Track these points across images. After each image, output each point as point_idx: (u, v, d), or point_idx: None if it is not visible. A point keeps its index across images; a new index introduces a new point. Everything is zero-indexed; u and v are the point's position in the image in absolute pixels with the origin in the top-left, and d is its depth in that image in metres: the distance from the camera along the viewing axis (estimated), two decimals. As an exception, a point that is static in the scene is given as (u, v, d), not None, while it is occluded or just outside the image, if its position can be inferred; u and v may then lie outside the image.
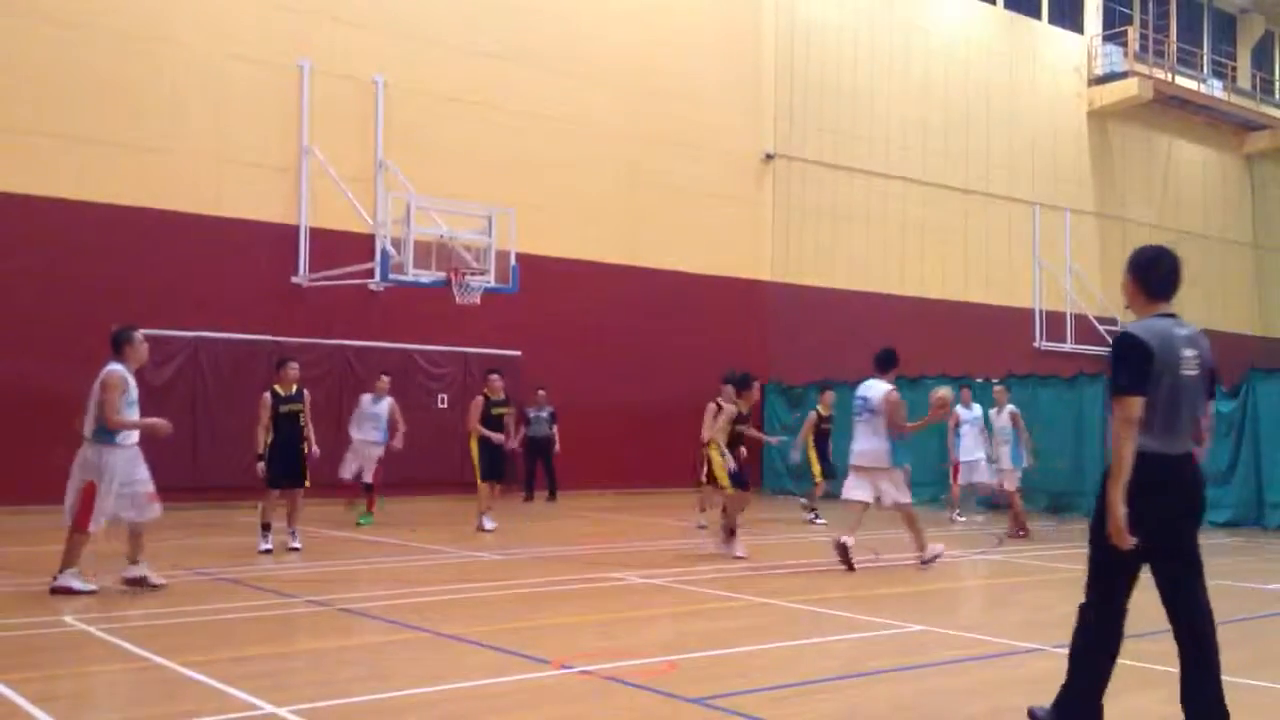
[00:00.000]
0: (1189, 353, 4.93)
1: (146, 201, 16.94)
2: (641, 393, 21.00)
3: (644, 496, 18.35)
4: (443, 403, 18.45)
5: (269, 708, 5.47)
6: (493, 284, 16.53)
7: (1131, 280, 5.24)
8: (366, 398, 15.23)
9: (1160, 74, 31.67)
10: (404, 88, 19.23)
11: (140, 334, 9.19)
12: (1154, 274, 5.21)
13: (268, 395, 12.05)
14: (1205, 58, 34.43)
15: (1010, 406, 15.34)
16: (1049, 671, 6.66)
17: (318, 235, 18.26)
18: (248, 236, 17.68)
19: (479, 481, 14.25)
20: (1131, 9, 32.25)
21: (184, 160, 17.29)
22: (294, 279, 18.12)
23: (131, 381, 8.93)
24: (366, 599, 8.93)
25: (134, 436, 8.99)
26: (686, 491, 17.28)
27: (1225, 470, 16.63)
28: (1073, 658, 5.10)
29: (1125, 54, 31.21)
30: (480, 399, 14.46)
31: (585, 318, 20.92)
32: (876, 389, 11.41)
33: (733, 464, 11.93)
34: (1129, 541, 4.71)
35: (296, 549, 11.66)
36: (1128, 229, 31.42)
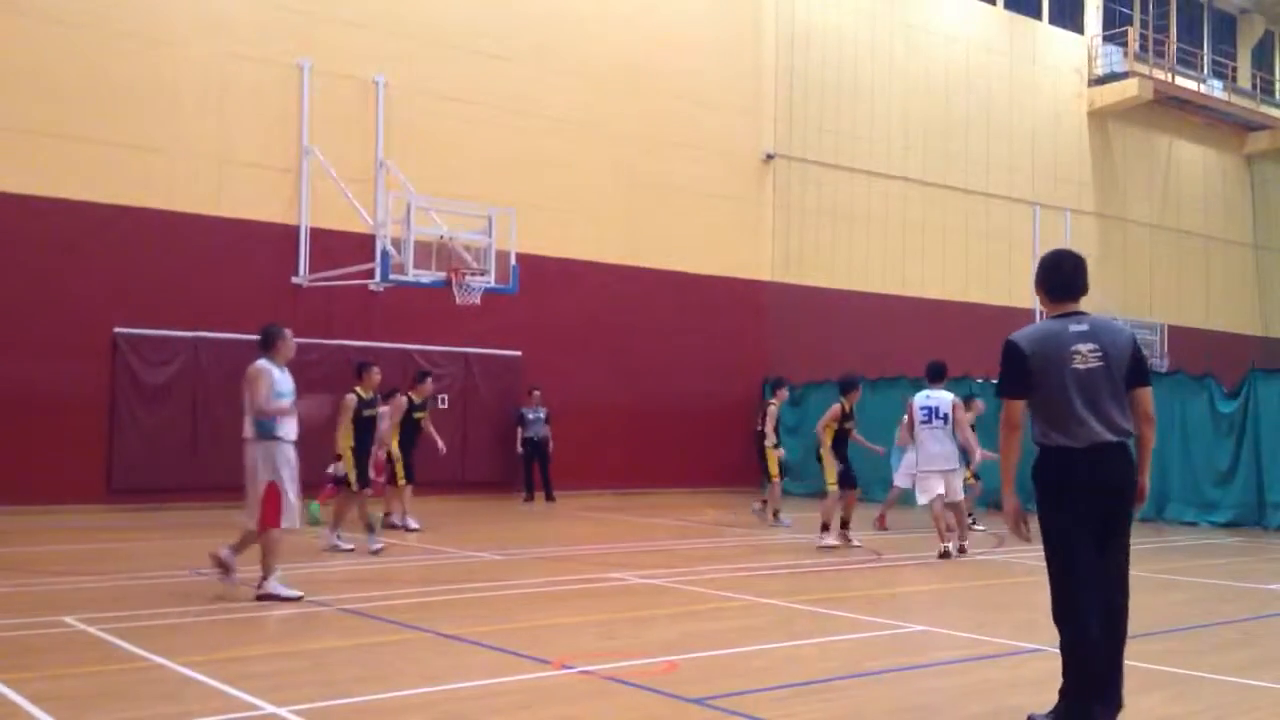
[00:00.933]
0: (1085, 346, 5.09)
1: (146, 201, 16.93)
2: (641, 393, 21.00)
3: (644, 496, 18.35)
4: (443, 403, 18.43)
5: (269, 708, 5.47)
6: (493, 284, 16.53)
7: (1036, 285, 5.43)
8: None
9: (1160, 74, 31.67)
10: (404, 88, 19.23)
11: (289, 331, 9.18)
12: (1054, 277, 5.34)
13: (352, 397, 12.30)
14: (1205, 58, 34.43)
15: (980, 401, 15.85)
16: (1049, 671, 6.66)
17: (318, 235, 18.25)
18: (248, 236, 17.67)
19: (406, 483, 14.28)
20: (1131, 9, 32.24)
21: (184, 160, 17.28)
22: (294, 279, 18.12)
23: (277, 375, 8.84)
24: (366, 599, 8.93)
25: (294, 432, 8.91)
26: (703, 491, 17.26)
27: (1226, 471, 16.64)
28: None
29: (1125, 54, 31.20)
30: (404, 400, 14.34)
31: (585, 318, 20.92)
32: (943, 398, 12.68)
33: (839, 464, 13.10)
34: (1024, 534, 5.17)
35: (349, 549, 11.69)
36: (1128, 229, 31.44)
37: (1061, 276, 5.31)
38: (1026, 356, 5.13)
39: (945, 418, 12.56)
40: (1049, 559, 5.14)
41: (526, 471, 19.30)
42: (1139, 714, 5.73)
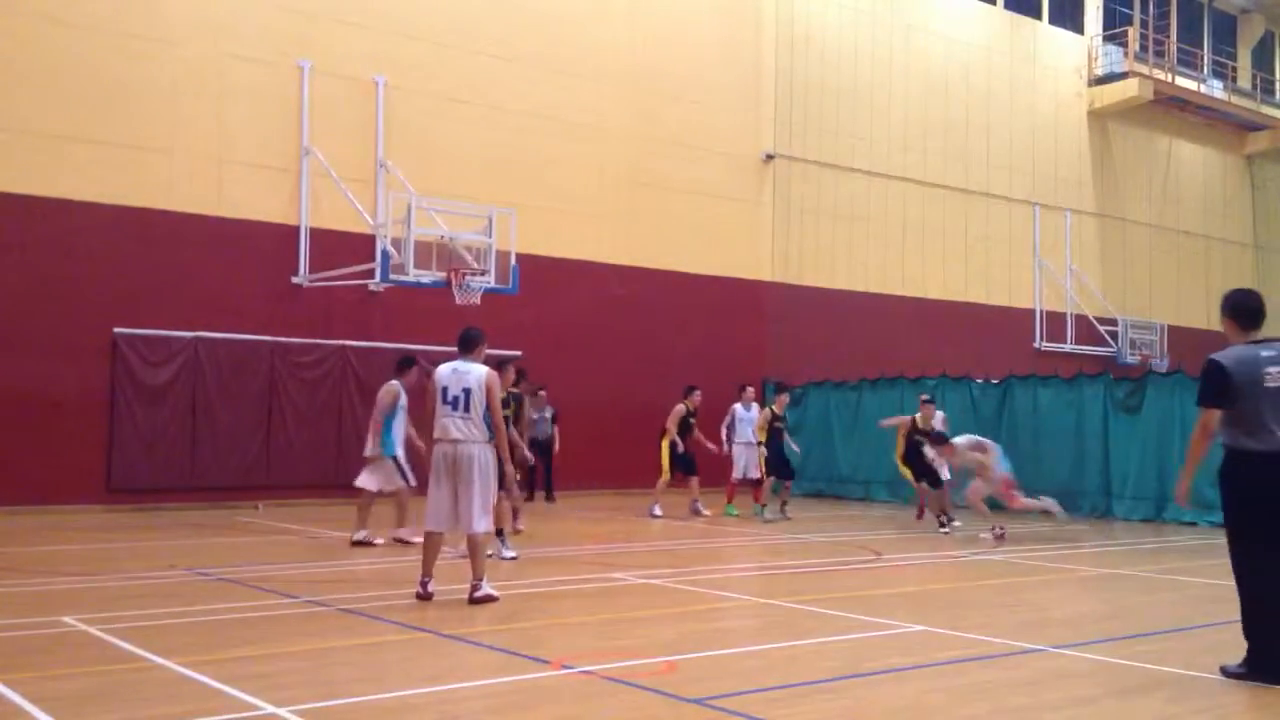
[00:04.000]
0: (1276, 369, 6.29)
1: (146, 201, 16.92)
2: (641, 393, 20.95)
3: (644, 497, 18.28)
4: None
5: (269, 708, 5.46)
6: (493, 284, 16.53)
7: (1225, 316, 6.64)
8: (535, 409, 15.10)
9: (1160, 74, 31.66)
10: (404, 88, 19.23)
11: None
12: (1244, 311, 6.54)
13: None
14: (1205, 58, 34.43)
15: (940, 413, 16.24)
16: (1049, 671, 6.67)
17: (318, 235, 18.25)
18: (248, 236, 17.66)
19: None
20: (1132, 9, 32.24)
21: (184, 160, 17.28)
22: (294, 279, 18.11)
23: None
24: (366, 599, 8.93)
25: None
26: (703, 492, 17.36)
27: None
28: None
29: (1125, 54, 31.19)
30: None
31: (585, 318, 20.91)
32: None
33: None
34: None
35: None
36: (1128, 229, 31.44)
37: (1252, 311, 6.51)
38: (1229, 374, 6.30)
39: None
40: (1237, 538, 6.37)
41: (529, 471, 19.27)
42: (1139, 714, 5.73)
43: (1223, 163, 34.46)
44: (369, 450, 12.57)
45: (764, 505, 16.64)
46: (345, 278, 17.72)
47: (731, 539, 14.38)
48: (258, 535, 13.66)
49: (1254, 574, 6.28)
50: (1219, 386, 6.31)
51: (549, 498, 19.06)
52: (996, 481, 14.27)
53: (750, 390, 17.58)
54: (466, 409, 8.74)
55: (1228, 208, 34.42)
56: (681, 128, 22.55)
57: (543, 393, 19.19)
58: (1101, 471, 17.94)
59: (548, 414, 19.17)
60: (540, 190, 20.25)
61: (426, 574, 8.79)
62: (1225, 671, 6.39)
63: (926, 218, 26.90)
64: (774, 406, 17.03)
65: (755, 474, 16.78)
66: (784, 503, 16.91)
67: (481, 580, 8.73)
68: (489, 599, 8.68)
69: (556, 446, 19.17)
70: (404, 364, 13.08)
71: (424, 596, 8.69)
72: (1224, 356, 6.37)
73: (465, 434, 8.74)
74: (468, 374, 8.84)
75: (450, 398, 8.78)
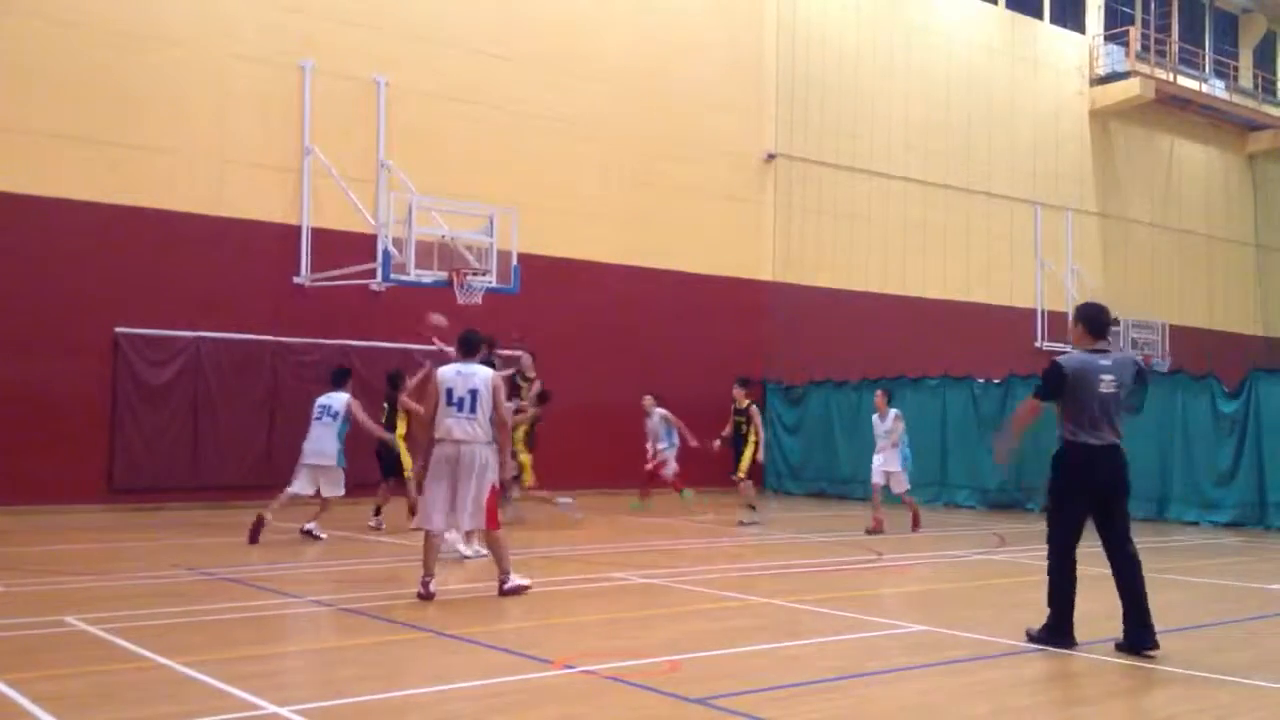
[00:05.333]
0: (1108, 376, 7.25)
1: (146, 201, 16.93)
2: (641, 393, 20.96)
3: (634, 495, 18.29)
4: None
5: (269, 708, 5.46)
6: (494, 284, 16.53)
7: (1077, 325, 7.49)
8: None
9: (1162, 74, 31.65)
10: (406, 88, 19.23)
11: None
12: (1095, 323, 7.39)
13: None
14: (1207, 57, 34.41)
15: (894, 410, 14.98)
16: (1050, 671, 6.67)
17: (319, 235, 18.25)
18: (249, 236, 17.67)
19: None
20: (1133, 9, 32.23)
21: (184, 160, 17.28)
22: (295, 279, 18.11)
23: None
24: (366, 599, 8.93)
25: None
26: (703, 492, 17.42)
27: (1227, 471, 16.62)
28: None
29: (1127, 54, 31.18)
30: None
31: (585, 318, 20.91)
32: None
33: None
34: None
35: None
36: (1129, 229, 31.43)
37: (1101, 323, 7.36)
38: (1066, 376, 7.17)
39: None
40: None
41: None
42: (1139, 714, 5.73)
43: (1224, 162, 34.44)
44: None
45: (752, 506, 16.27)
46: (347, 277, 17.72)
47: (731, 539, 14.38)
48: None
49: (1062, 551, 7.22)
50: (1055, 385, 7.22)
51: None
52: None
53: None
54: (473, 410, 8.87)
55: (1229, 207, 34.40)
56: (683, 127, 22.54)
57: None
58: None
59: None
60: (541, 190, 20.25)
61: (428, 573, 8.82)
62: (1029, 635, 7.30)
63: (928, 217, 26.89)
64: (734, 401, 16.48)
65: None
66: (750, 506, 16.21)
67: (509, 573, 8.97)
68: (519, 590, 8.93)
69: None
70: (344, 376, 13.81)
71: (426, 596, 8.71)
72: (1066, 360, 7.28)
73: (470, 434, 8.85)
74: (473, 376, 8.97)
75: (455, 399, 8.89)
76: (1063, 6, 30.40)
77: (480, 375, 8.99)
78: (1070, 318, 7.87)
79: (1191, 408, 17.09)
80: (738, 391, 16.48)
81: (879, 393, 15.32)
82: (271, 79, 18.06)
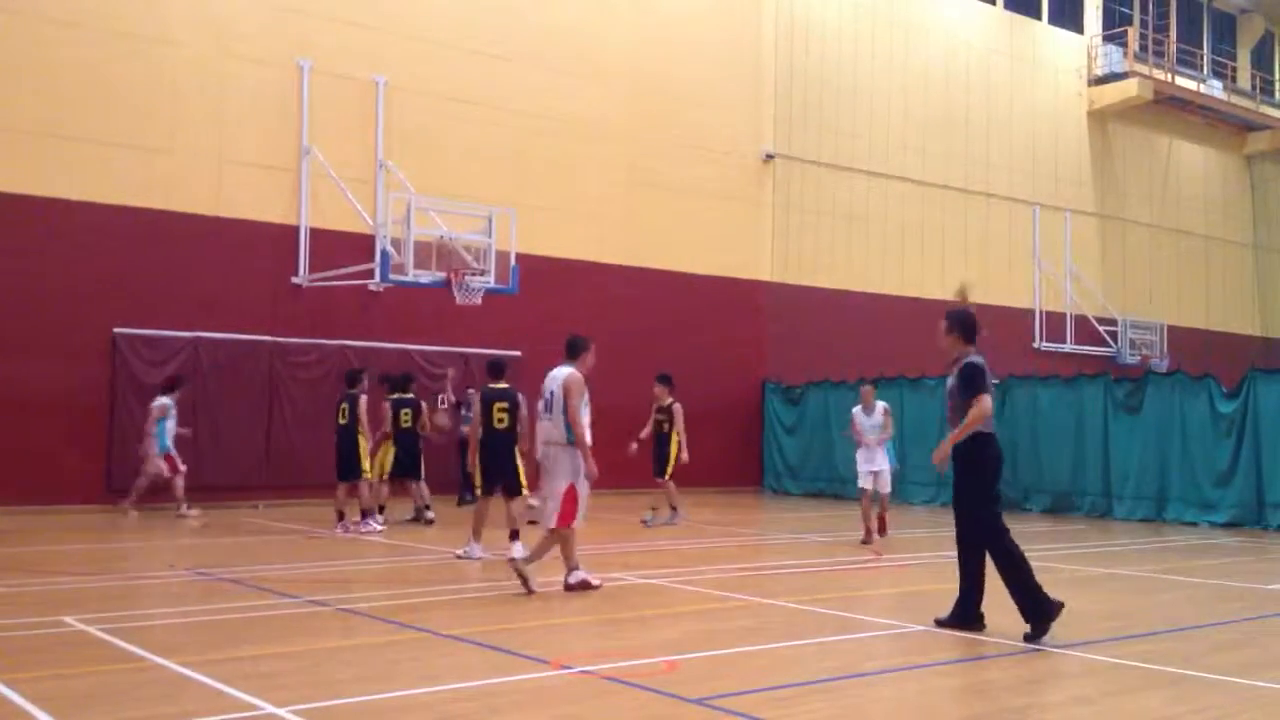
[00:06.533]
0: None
1: (146, 201, 16.92)
2: (641, 393, 20.93)
3: (644, 496, 18.28)
4: (443, 403, 18.40)
5: (269, 708, 5.46)
6: (493, 284, 16.53)
7: (958, 331, 8.45)
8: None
9: (1160, 74, 31.66)
10: (404, 88, 19.23)
11: (592, 342, 9.69)
12: (973, 330, 8.31)
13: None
14: (1205, 58, 34.43)
15: (882, 404, 13.97)
16: (1050, 671, 6.67)
17: (318, 235, 18.25)
18: (248, 236, 17.67)
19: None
20: (1131, 9, 32.24)
21: (184, 160, 17.28)
22: (294, 279, 18.12)
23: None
24: (366, 599, 8.93)
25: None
26: (703, 492, 17.30)
27: (1226, 471, 16.63)
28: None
29: (1125, 54, 31.20)
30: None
31: (585, 318, 20.86)
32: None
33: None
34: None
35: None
36: (1128, 229, 31.44)
37: (975, 328, 8.48)
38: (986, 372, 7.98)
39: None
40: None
41: (462, 471, 18.93)
42: (1139, 714, 5.73)
43: (1222, 163, 34.46)
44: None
45: (653, 509, 16.00)
46: (345, 278, 17.72)
47: (731, 539, 14.38)
48: (258, 535, 13.67)
49: (1006, 533, 7.69)
50: (986, 380, 8.05)
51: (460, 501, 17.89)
52: None
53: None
54: (550, 410, 9.23)
55: (1227, 208, 34.42)
56: (682, 128, 22.55)
57: (471, 390, 18.77)
58: (1101, 472, 17.95)
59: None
60: (540, 190, 20.25)
61: (572, 565, 9.27)
62: (936, 622, 7.73)
63: (926, 218, 26.90)
64: (656, 399, 16.00)
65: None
66: (672, 507, 15.91)
67: (575, 569, 9.22)
68: (584, 586, 9.16)
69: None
70: (357, 376, 14.41)
71: (577, 586, 9.17)
72: (980, 359, 8.27)
73: (548, 435, 9.23)
74: (554, 377, 9.34)
75: (543, 401, 9.33)
76: (1061, 7, 30.42)
77: (558, 376, 9.29)
78: (944, 324, 8.56)
79: (1189, 408, 17.10)
80: (659, 389, 16.00)
81: (868, 387, 14.35)
82: (270, 79, 18.06)
